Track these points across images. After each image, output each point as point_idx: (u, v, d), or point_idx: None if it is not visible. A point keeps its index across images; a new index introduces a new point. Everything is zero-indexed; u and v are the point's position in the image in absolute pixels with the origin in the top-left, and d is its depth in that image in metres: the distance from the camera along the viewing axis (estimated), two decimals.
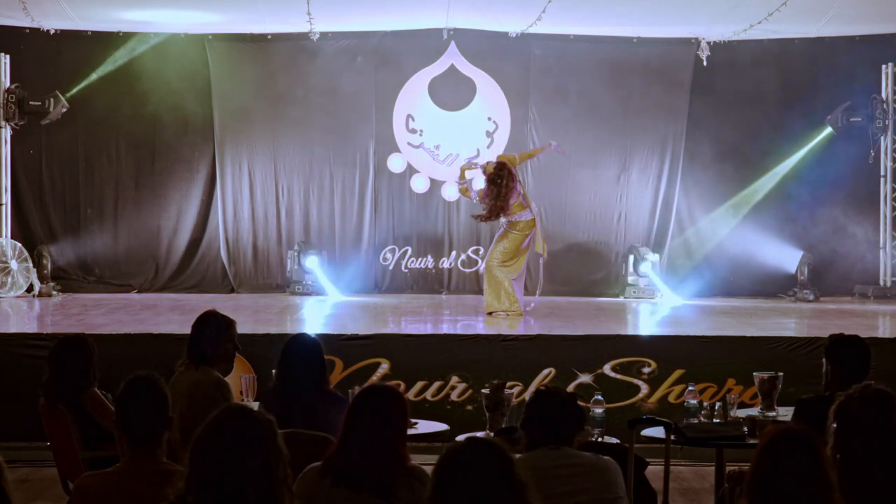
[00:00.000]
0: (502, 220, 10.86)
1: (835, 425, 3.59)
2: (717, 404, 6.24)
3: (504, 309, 10.66)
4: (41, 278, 12.48)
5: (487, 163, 11.21)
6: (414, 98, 13.34)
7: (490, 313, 10.71)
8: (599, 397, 6.28)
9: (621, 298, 12.80)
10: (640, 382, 8.48)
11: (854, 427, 3.55)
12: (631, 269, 12.85)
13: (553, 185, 13.31)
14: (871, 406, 3.58)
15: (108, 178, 13.26)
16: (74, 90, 12.87)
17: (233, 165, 13.30)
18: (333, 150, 13.31)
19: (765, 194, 13.29)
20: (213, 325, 5.75)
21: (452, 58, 13.29)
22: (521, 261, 10.80)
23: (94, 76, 12.93)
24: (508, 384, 7.63)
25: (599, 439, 5.85)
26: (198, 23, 12.79)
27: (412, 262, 13.35)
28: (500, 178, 10.71)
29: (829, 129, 13.07)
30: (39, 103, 12.57)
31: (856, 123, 12.94)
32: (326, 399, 5.52)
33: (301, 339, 5.77)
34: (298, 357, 5.57)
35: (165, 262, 13.29)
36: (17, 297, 12.14)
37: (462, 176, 11.61)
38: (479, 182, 11.36)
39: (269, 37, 13.17)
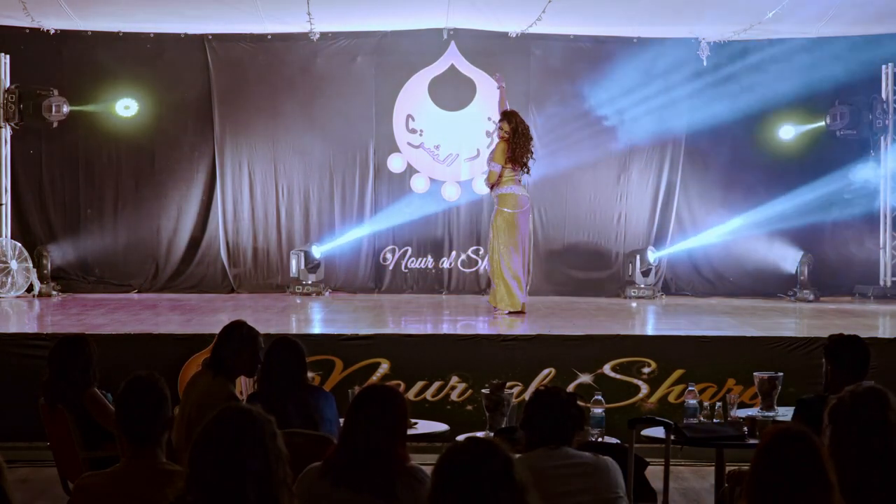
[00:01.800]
0: (493, 195, 10.79)
1: (830, 426, 3.59)
2: (717, 404, 6.25)
3: (507, 307, 10.63)
4: (41, 278, 12.48)
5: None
6: (414, 98, 13.34)
7: (495, 308, 10.69)
8: (599, 397, 6.29)
9: (621, 298, 12.80)
10: (640, 382, 8.48)
11: (848, 426, 3.54)
12: (638, 269, 12.84)
13: (553, 185, 13.30)
14: (865, 404, 3.57)
15: (108, 178, 13.26)
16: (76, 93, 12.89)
17: (233, 165, 13.30)
18: (333, 150, 13.31)
19: (765, 194, 13.29)
20: (237, 337, 5.75)
21: (452, 58, 13.29)
22: (518, 244, 10.71)
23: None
24: (508, 384, 7.64)
25: (599, 439, 5.86)
26: (198, 23, 12.78)
27: (412, 262, 13.35)
28: (511, 120, 10.65)
29: (829, 129, 13.07)
30: (41, 87, 12.58)
31: (855, 123, 12.94)
32: (314, 393, 5.65)
33: (283, 341, 5.78)
34: (281, 359, 5.61)
35: (165, 262, 13.29)
36: (17, 297, 12.14)
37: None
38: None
39: (269, 37, 13.17)
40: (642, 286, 12.76)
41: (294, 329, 10.07)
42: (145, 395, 3.81)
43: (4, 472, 2.90)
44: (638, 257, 12.87)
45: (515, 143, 10.62)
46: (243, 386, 6.72)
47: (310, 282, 12.77)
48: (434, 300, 12.69)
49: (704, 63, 13.07)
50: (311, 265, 12.85)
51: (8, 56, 12.82)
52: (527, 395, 7.62)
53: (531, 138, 10.78)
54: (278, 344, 5.71)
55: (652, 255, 12.87)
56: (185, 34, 13.08)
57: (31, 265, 12.41)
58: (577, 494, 4.10)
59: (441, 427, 6.49)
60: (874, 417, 3.54)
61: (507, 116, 10.77)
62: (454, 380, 8.41)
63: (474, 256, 13.27)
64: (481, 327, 10.06)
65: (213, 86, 13.17)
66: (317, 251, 12.90)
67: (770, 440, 3.10)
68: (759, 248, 13.32)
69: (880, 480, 3.48)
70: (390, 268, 13.34)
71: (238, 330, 5.76)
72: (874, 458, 3.49)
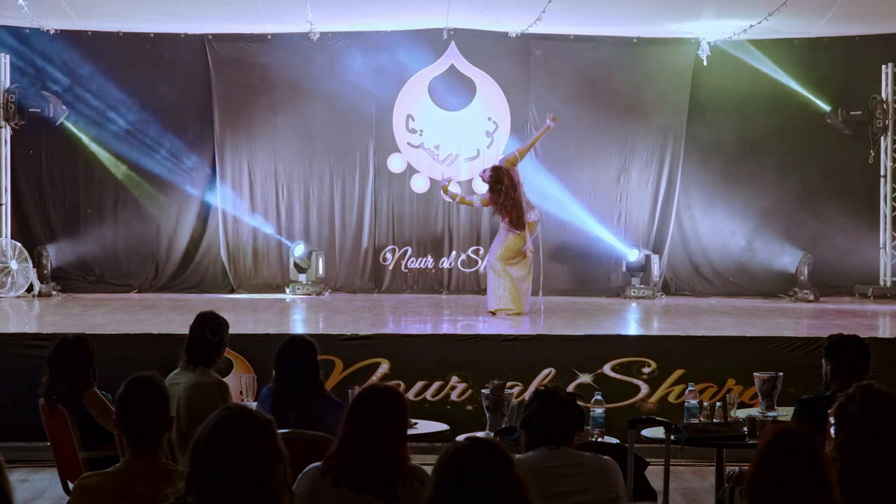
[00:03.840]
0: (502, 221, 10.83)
1: (834, 426, 3.59)
2: (717, 404, 6.24)
3: (506, 308, 10.63)
4: (41, 278, 12.48)
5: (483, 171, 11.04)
6: (414, 98, 13.34)
7: (493, 312, 10.67)
8: (599, 397, 6.28)
9: (621, 298, 12.80)
10: (640, 382, 8.48)
11: (854, 428, 3.54)
12: (633, 269, 12.87)
13: (553, 186, 13.29)
14: (873, 408, 3.57)
15: (108, 178, 13.26)
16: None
17: (233, 165, 13.30)
18: (333, 150, 13.31)
19: (765, 194, 13.29)
20: (213, 326, 5.76)
21: (452, 58, 13.29)
22: (525, 262, 10.73)
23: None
24: (508, 384, 7.63)
25: (599, 439, 5.85)
26: (198, 23, 12.79)
27: (412, 262, 13.35)
28: (500, 183, 10.53)
29: (829, 129, 13.07)
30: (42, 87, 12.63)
31: (855, 123, 12.95)
32: (321, 402, 5.45)
33: (294, 341, 5.69)
34: (292, 359, 5.53)
35: (165, 262, 13.29)
36: (17, 297, 12.14)
37: (446, 191, 11.58)
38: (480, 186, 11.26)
39: (269, 37, 13.17)
40: (641, 286, 12.78)
41: (293, 329, 10.07)
42: (145, 395, 3.81)
43: (4, 472, 2.90)
44: (625, 258, 12.91)
45: (504, 200, 10.54)
46: (243, 386, 6.71)
47: (300, 281, 12.77)
48: (434, 300, 12.69)
49: (704, 63, 13.07)
50: (298, 264, 12.84)
51: (8, 56, 12.83)
52: (527, 395, 7.61)
53: (518, 193, 10.56)
54: (288, 345, 5.61)
55: (633, 255, 12.86)
56: (185, 34, 13.09)
57: (31, 265, 12.41)
58: (577, 494, 4.10)
59: (441, 427, 6.48)
60: (882, 422, 3.54)
61: (495, 176, 10.60)
62: (454, 380, 8.41)
63: (474, 256, 13.27)
64: (481, 327, 10.05)
65: (213, 86, 13.18)
66: (298, 250, 12.88)
67: (770, 440, 3.10)
68: (759, 247, 13.32)
69: (882, 482, 3.48)
70: (390, 268, 13.34)
71: (210, 319, 5.82)
72: (878, 461, 3.49)
